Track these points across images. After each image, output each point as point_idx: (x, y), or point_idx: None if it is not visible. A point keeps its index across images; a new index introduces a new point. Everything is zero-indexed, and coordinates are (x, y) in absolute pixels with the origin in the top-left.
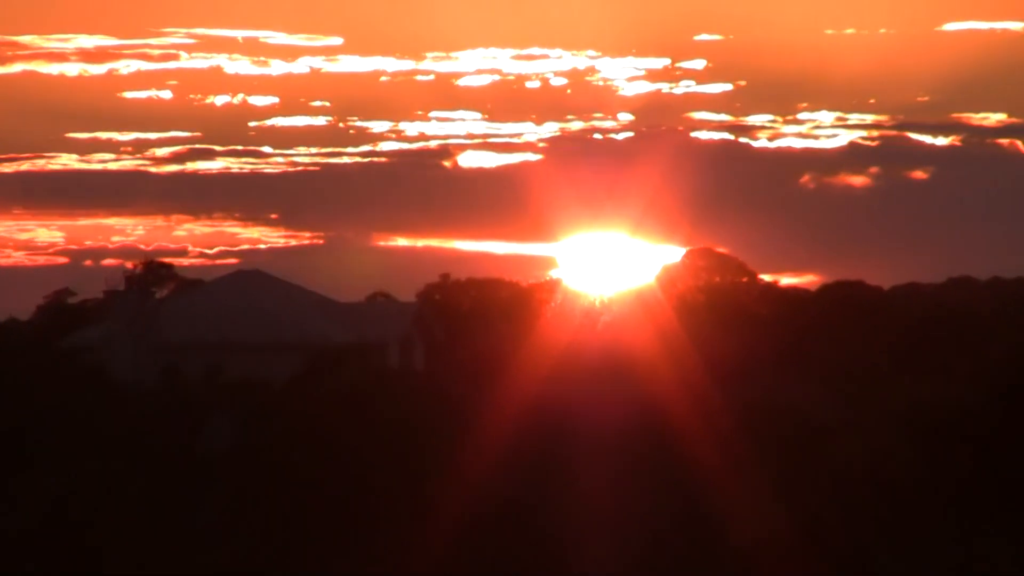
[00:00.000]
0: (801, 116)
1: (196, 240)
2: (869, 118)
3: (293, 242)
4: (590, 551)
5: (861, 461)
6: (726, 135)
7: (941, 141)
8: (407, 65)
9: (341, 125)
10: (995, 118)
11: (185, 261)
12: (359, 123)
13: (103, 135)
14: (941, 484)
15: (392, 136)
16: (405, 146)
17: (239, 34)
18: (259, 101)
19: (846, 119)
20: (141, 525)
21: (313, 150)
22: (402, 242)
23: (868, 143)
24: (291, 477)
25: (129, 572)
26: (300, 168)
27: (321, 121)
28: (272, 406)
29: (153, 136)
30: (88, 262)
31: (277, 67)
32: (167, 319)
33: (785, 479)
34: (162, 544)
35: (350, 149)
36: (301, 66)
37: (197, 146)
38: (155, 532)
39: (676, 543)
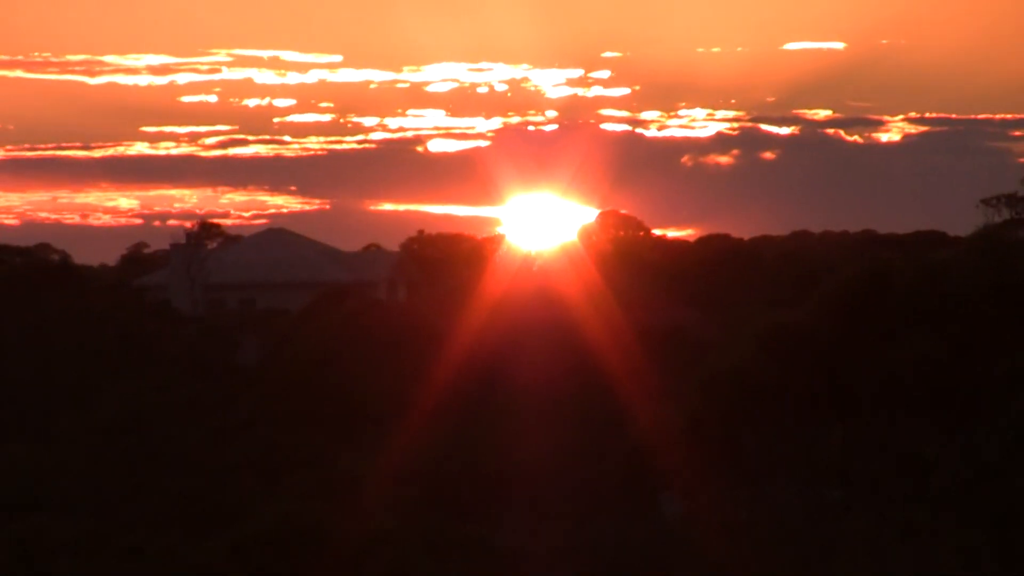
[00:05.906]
0: (681, 112)
1: (236, 206)
2: (731, 114)
3: (307, 207)
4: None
5: (730, 369)
6: (626, 127)
7: (785, 131)
8: (389, 76)
9: (342, 121)
10: (823, 114)
11: (228, 222)
12: (355, 119)
13: (166, 129)
14: (791, 385)
15: (379, 128)
16: (389, 136)
17: (265, 53)
18: (281, 103)
19: (714, 114)
20: (192, 421)
21: (321, 139)
22: (388, 207)
23: (731, 132)
24: (304, 383)
25: (181, 452)
26: (312, 152)
27: (327, 118)
28: (290, 329)
29: (203, 129)
30: (157, 223)
31: (293, 77)
32: (214, 265)
33: (672, 385)
34: (206, 435)
35: (348, 139)
36: (312, 76)
37: (235, 136)
38: (201, 426)
39: (585, 438)
